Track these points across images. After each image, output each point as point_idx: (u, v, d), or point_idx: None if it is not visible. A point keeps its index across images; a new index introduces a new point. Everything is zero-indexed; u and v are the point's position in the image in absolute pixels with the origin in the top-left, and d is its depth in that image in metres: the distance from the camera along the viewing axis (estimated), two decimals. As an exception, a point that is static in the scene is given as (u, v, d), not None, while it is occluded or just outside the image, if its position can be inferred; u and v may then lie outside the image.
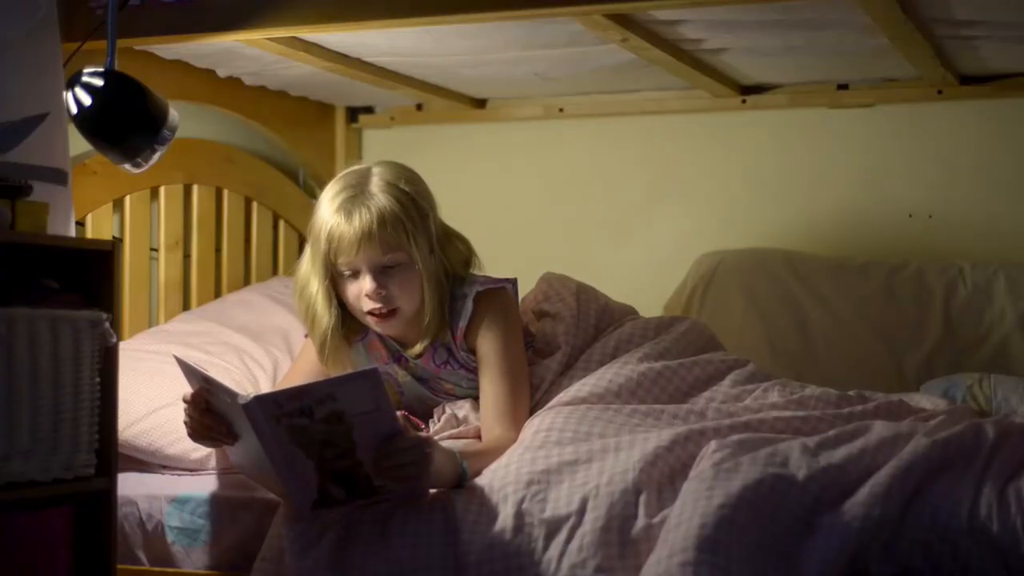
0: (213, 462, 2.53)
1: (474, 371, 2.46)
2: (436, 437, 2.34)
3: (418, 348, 2.43)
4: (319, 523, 2.18)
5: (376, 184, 2.35)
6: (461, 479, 2.18)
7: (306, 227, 2.45)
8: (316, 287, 2.40)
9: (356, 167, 2.42)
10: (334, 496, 2.14)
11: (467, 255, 2.49)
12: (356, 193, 2.34)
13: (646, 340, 2.55)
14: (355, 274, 2.36)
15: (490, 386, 2.39)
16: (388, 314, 2.37)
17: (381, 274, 2.34)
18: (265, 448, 2.09)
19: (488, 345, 2.41)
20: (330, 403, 2.04)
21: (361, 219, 2.31)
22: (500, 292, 2.44)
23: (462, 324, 2.42)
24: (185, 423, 2.26)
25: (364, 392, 2.05)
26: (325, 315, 2.40)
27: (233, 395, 2.08)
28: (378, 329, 2.43)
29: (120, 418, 2.39)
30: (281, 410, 2.05)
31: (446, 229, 2.47)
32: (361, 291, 2.36)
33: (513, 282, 2.49)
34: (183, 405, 2.25)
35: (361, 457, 2.09)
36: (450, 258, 2.44)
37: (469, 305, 2.41)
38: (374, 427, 2.08)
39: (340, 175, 2.42)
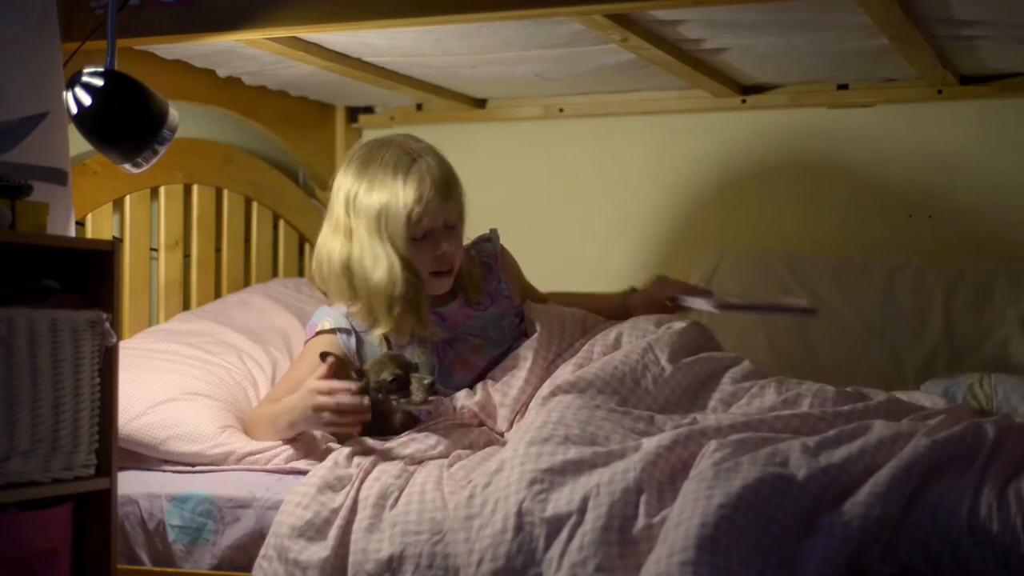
0: (211, 457, 2.53)
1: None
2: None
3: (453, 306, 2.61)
4: (321, 518, 2.19)
5: (424, 149, 2.53)
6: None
7: (306, 227, 2.47)
8: (390, 257, 2.49)
9: (379, 139, 2.58)
10: None
11: None
12: (415, 159, 2.50)
13: (648, 332, 2.58)
14: (425, 237, 2.50)
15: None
16: (450, 271, 2.55)
17: (450, 233, 2.54)
18: None
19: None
20: None
21: (433, 180, 2.49)
22: None
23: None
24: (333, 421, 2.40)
25: None
26: (398, 282, 2.50)
27: None
28: (437, 288, 2.57)
29: (121, 412, 2.39)
30: None
31: None
32: (432, 252, 2.51)
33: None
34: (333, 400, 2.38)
35: None
36: None
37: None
38: None
39: (368, 151, 2.55)
